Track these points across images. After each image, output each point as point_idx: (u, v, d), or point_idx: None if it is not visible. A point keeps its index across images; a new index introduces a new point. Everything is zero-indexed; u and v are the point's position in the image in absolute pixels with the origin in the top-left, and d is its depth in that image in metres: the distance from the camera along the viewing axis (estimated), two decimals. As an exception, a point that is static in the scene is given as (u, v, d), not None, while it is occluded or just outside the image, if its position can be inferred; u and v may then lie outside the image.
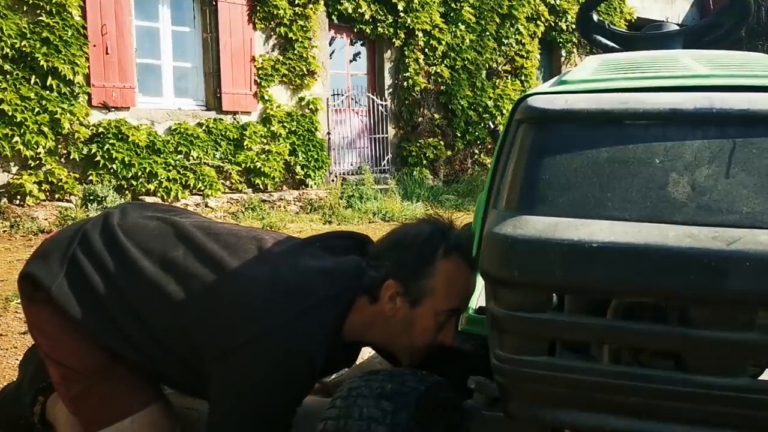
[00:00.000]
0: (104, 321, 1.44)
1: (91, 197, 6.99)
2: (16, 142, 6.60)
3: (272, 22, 8.66)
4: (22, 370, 1.85)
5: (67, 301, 1.44)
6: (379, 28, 9.70)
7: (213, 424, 1.36)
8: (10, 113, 6.51)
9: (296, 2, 8.76)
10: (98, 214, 1.62)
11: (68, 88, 6.92)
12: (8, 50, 6.53)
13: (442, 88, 10.58)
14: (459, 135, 10.80)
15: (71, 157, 7.04)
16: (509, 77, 11.57)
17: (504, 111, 11.16)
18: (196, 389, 1.51)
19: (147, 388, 1.52)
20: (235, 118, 8.37)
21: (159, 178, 7.54)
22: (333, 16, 9.37)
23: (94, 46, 7.14)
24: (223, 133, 8.18)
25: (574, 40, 12.57)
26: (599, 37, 1.79)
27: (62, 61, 6.81)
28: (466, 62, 10.78)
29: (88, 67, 7.10)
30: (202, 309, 1.40)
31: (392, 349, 1.52)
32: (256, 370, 1.31)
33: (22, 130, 6.62)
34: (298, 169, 8.90)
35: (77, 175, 7.11)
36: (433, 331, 1.44)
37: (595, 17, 1.75)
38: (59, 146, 6.98)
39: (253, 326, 1.32)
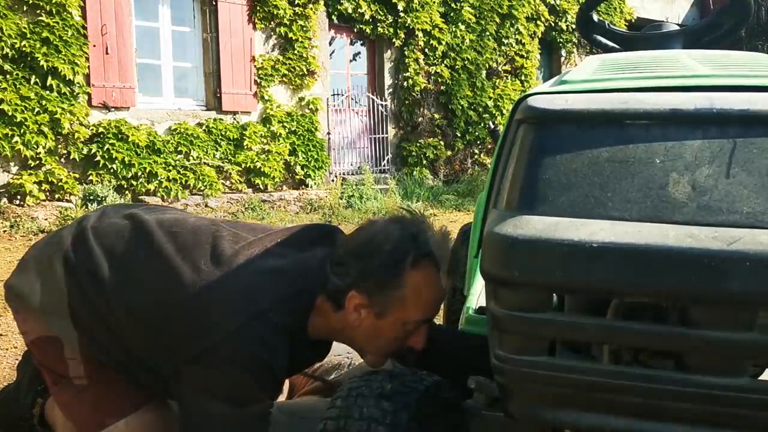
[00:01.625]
0: (80, 331, 1.44)
1: (91, 197, 6.99)
2: (16, 142, 6.59)
3: (272, 22, 8.65)
4: (21, 372, 1.85)
5: (47, 313, 1.44)
6: (379, 28, 9.70)
7: (186, 427, 1.33)
8: (10, 113, 6.50)
9: (296, 2, 8.76)
10: (75, 219, 1.62)
11: (68, 88, 6.92)
12: (8, 50, 6.53)
13: (442, 88, 10.58)
14: (459, 135, 10.80)
15: (71, 157, 7.04)
16: (509, 77, 11.57)
17: (504, 111, 11.16)
18: (169, 394, 1.48)
19: (138, 391, 1.51)
20: (235, 118, 8.37)
21: (159, 178, 7.53)
22: (333, 16, 9.37)
23: (94, 46, 7.14)
24: (223, 133, 8.18)
25: (574, 40, 12.57)
26: (599, 37, 1.80)
27: (62, 61, 6.81)
28: (466, 62, 10.78)
29: (88, 67, 7.09)
30: (158, 318, 1.37)
31: (358, 352, 1.47)
32: (215, 380, 1.28)
33: (22, 130, 6.61)
34: (298, 169, 8.89)
35: (77, 175, 7.10)
36: (400, 339, 1.38)
37: (595, 17, 1.75)
38: (59, 146, 6.98)
39: (206, 336, 1.28)
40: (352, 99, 10.05)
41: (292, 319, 1.34)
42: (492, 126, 2.44)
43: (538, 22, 11.89)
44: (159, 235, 1.45)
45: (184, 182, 7.75)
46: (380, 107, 10.08)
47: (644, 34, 1.64)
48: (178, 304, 1.34)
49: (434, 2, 10.24)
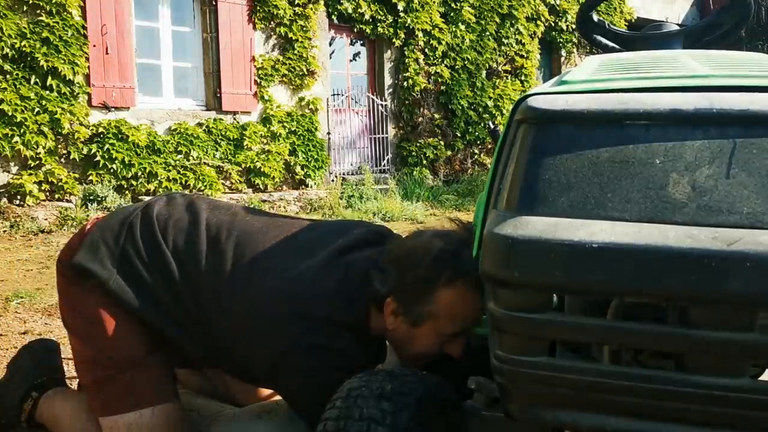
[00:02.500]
0: (159, 312, 1.51)
1: (91, 197, 6.99)
2: (16, 142, 6.59)
3: (272, 22, 8.65)
4: (12, 370, 1.84)
5: (123, 294, 1.50)
6: (379, 28, 9.70)
7: (295, 407, 1.47)
8: (10, 113, 6.50)
9: (296, 2, 8.76)
10: (144, 204, 1.66)
11: (68, 88, 6.92)
12: (8, 50, 6.53)
13: (442, 88, 10.58)
14: (459, 135, 10.80)
15: (71, 157, 7.04)
16: (509, 77, 11.56)
17: (504, 111, 11.16)
18: (236, 370, 1.58)
19: (170, 386, 1.57)
20: (235, 118, 8.37)
21: (159, 178, 7.53)
22: (333, 16, 9.37)
23: (94, 46, 7.14)
24: (223, 133, 8.18)
25: (574, 40, 12.56)
26: (599, 37, 1.79)
27: (62, 61, 6.81)
28: (466, 62, 10.78)
29: (88, 67, 7.09)
30: (231, 331, 1.45)
31: (397, 354, 1.52)
32: (300, 374, 1.37)
33: (22, 130, 6.61)
34: (298, 169, 8.89)
35: (77, 175, 7.10)
36: (436, 347, 1.42)
37: (595, 17, 1.75)
38: (59, 146, 6.98)
39: (279, 341, 1.37)
40: (352, 99, 10.04)
41: (353, 318, 1.40)
42: (492, 126, 2.44)
43: (538, 22, 11.88)
44: (222, 240, 1.52)
45: (184, 182, 7.75)
46: (380, 107, 10.08)
47: (644, 34, 1.64)
48: (246, 311, 1.42)
49: (434, 2, 10.24)
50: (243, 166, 8.35)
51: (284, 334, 1.37)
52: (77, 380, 2.38)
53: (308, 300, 1.39)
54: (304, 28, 8.86)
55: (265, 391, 1.85)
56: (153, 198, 1.68)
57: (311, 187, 8.99)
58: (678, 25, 1.71)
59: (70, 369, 2.57)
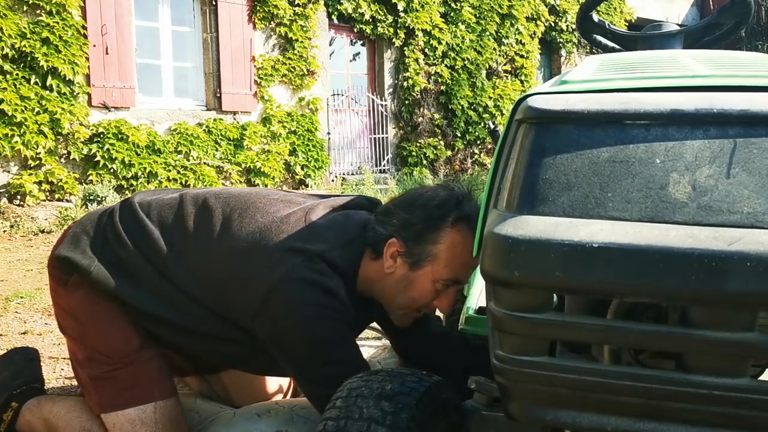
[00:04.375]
0: (144, 294, 1.49)
1: (91, 197, 6.99)
2: (16, 142, 6.60)
3: (272, 22, 8.66)
4: None
5: (106, 281, 1.48)
6: (379, 28, 9.70)
7: (299, 377, 1.44)
8: (10, 113, 6.51)
9: (296, 2, 8.76)
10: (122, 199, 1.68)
11: (68, 88, 6.92)
12: (8, 50, 6.53)
13: (442, 88, 10.58)
14: (459, 135, 10.80)
15: (71, 157, 7.04)
16: (509, 77, 11.57)
17: (504, 111, 11.16)
18: (233, 357, 1.57)
19: (169, 381, 1.57)
20: (235, 118, 8.37)
21: (159, 178, 7.53)
22: (333, 16, 9.37)
23: (94, 46, 7.14)
24: (223, 133, 8.18)
25: (574, 40, 12.57)
26: (599, 37, 1.79)
27: (62, 61, 6.81)
28: (466, 62, 10.78)
29: (88, 67, 7.10)
30: (224, 270, 1.43)
31: (387, 308, 1.52)
32: (291, 310, 1.35)
33: (22, 130, 6.62)
34: (298, 169, 8.89)
35: (77, 175, 7.11)
36: (429, 295, 1.43)
37: (595, 17, 1.75)
38: (59, 146, 6.98)
39: (272, 273, 1.36)
40: (352, 99, 10.05)
41: (346, 263, 1.41)
42: (492, 126, 2.44)
43: (538, 22, 11.89)
44: (210, 200, 1.52)
45: (184, 182, 7.75)
46: (380, 107, 10.08)
47: (644, 34, 1.64)
48: (241, 248, 1.42)
49: (434, 2, 10.24)
50: (243, 166, 8.36)
51: (276, 267, 1.36)
52: (74, 380, 2.38)
53: (303, 237, 1.40)
54: (304, 28, 8.86)
55: (265, 392, 1.85)
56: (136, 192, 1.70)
57: (311, 187, 8.99)
58: (678, 25, 1.71)
59: (70, 369, 2.57)
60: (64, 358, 2.65)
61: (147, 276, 1.49)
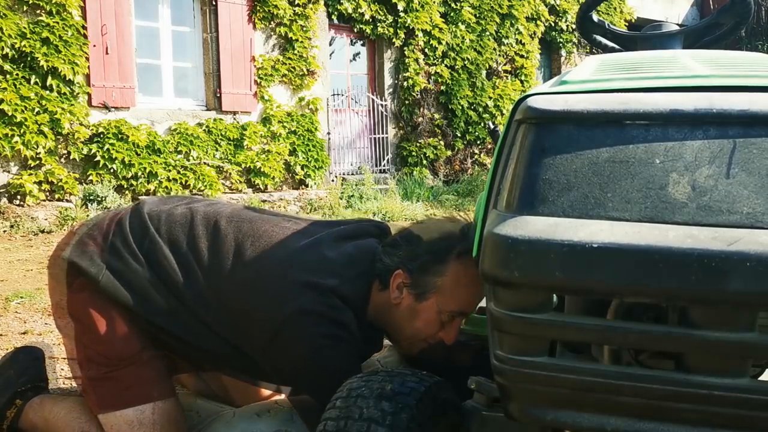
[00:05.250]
0: (151, 306, 1.50)
1: (91, 197, 6.99)
2: (16, 142, 6.59)
3: (272, 22, 8.65)
4: None
5: (113, 289, 1.49)
6: (379, 28, 9.70)
7: (311, 395, 1.48)
8: (10, 113, 6.50)
9: (296, 2, 8.76)
10: (132, 204, 1.67)
11: (68, 88, 6.92)
12: (8, 50, 6.53)
13: (442, 88, 10.58)
14: (459, 135, 10.80)
15: (71, 157, 7.04)
16: (509, 77, 11.56)
17: (504, 111, 11.16)
18: (236, 364, 1.58)
19: (167, 382, 1.57)
20: (235, 118, 8.37)
21: (159, 178, 7.53)
22: (333, 16, 9.37)
23: (94, 46, 7.14)
24: (223, 133, 8.18)
25: (574, 40, 12.56)
26: (599, 37, 1.79)
27: (62, 61, 6.81)
28: (466, 62, 10.78)
29: (88, 67, 7.10)
30: (236, 301, 1.44)
31: (394, 337, 1.54)
32: (303, 343, 1.37)
33: (22, 130, 6.61)
34: (298, 169, 8.89)
35: (77, 175, 7.11)
36: (434, 326, 1.45)
37: (595, 17, 1.75)
38: (59, 146, 6.98)
39: (285, 306, 1.38)
40: (352, 99, 10.04)
41: (356, 296, 1.43)
42: (492, 126, 2.44)
43: (538, 22, 11.88)
44: (222, 224, 1.53)
45: (184, 182, 7.75)
46: (380, 107, 10.08)
47: (644, 34, 1.64)
48: (253, 280, 1.43)
49: (434, 2, 10.24)
50: (243, 166, 8.35)
51: (290, 300, 1.38)
52: (73, 380, 2.38)
53: (316, 270, 1.41)
54: (304, 28, 8.86)
55: (264, 393, 1.85)
56: (145, 197, 1.69)
57: (311, 187, 8.99)
58: (678, 25, 1.71)
59: (69, 370, 2.57)
60: (64, 358, 2.65)
61: (155, 290, 1.50)
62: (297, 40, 8.81)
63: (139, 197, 7.31)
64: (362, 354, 1.53)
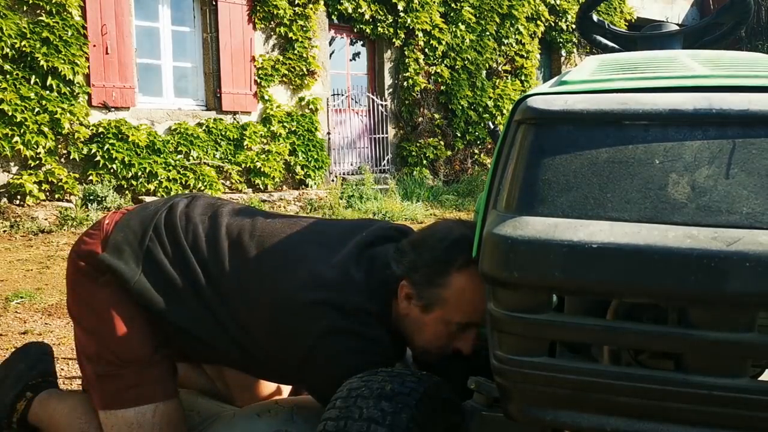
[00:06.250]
0: (181, 312, 1.49)
1: (91, 197, 6.99)
2: (16, 142, 6.60)
3: (272, 22, 8.66)
4: (5, 370, 1.83)
5: (146, 293, 1.49)
6: (379, 28, 9.70)
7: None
8: (10, 113, 6.51)
9: (296, 2, 8.76)
10: (165, 205, 1.65)
11: (68, 88, 6.93)
12: (8, 50, 6.53)
13: (442, 88, 10.58)
14: (459, 135, 10.80)
15: (71, 157, 7.04)
16: (509, 77, 11.57)
17: (504, 111, 11.16)
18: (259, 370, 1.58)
19: (172, 383, 1.57)
20: (235, 118, 8.37)
21: (159, 178, 7.54)
22: (333, 16, 9.37)
23: (94, 46, 7.14)
24: (223, 133, 8.18)
25: (574, 40, 12.56)
26: (599, 37, 1.79)
27: (62, 61, 6.81)
28: (466, 62, 10.78)
29: (88, 67, 7.10)
30: (264, 321, 1.44)
31: (409, 346, 1.51)
32: (336, 361, 1.36)
33: (22, 130, 6.62)
34: (298, 169, 8.89)
35: (77, 175, 7.11)
36: (444, 337, 1.41)
37: (595, 17, 1.75)
38: (59, 146, 6.98)
39: (315, 327, 1.36)
40: (352, 99, 10.05)
41: (381, 306, 1.40)
42: (492, 126, 2.44)
43: (538, 22, 11.88)
44: (245, 239, 1.51)
45: (184, 182, 7.75)
46: (380, 107, 10.08)
47: (644, 34, 1.64)
48: (276, 308, 1.41)
49: (434, 2, 10.24)
50: (243, 166, 8.36)
51: (321, 320, 1.36)
52: (72, 381, 2.38)
53: (342, 290, 1.39)
54: (304, 28, 8.86)
55: (265, 391, 1.85)
56: (176, 198, 1.66)
57: (311, 187, 8.99)
58: (678, 25, 1.71)
59: (69, 369, 2.57)
60: (64, 358, 2.66)
61: (187, 300, 1.50)
62: (297, 40, 8.81)
63: (140, 197, 7.32)
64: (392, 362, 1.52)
